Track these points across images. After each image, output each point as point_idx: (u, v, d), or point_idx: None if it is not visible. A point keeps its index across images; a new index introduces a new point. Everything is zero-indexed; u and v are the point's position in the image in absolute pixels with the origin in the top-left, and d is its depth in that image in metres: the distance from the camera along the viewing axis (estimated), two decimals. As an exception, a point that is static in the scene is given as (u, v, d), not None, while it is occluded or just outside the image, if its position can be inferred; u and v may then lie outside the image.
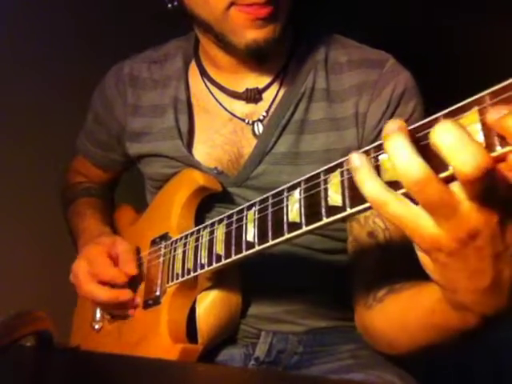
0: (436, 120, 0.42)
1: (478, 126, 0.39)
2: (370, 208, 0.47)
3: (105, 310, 0.91)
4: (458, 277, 0.46)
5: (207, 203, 0.86)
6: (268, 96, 0.87)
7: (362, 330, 0.78)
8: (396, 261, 0.73)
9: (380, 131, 0.82)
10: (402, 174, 0.41)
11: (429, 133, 0.40)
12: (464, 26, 1.74)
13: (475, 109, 0.39)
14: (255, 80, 0.87)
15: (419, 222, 0.43)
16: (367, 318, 0.74)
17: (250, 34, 0.75)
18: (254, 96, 0.86)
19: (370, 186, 0.43)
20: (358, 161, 0.45)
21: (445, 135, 0.38)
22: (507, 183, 0.39)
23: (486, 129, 0.39)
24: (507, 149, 0.38)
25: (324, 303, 0.87)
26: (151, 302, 0.83)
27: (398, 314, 0.66)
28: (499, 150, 0.38)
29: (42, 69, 1.52)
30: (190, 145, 0.88)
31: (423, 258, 0.47)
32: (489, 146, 0.38)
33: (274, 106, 0.85)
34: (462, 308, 0.50)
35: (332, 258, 0.87)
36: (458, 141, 0.37)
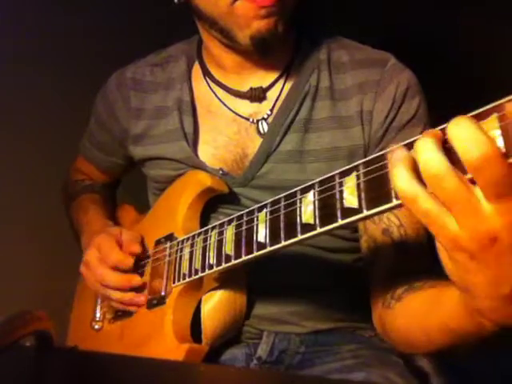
0: None
1: (498, 132, 0.40)
2: (386, 210, 0.49)
3: (110, 306, 0.91)
4: (478, 281, 0.46)
5: (212, 204, 0.86)
6: (272, 95, 0.87)
7: (380, 329, 0.78)
8: (413, 258, 0.75)
9: (387, 128, 0.83)
10: (422, 168, 0.43)
11: None
12: (464, 26, 1.74)
13: (494, 115, 0.40)
14: (259, 79, 0.88)
15: (444, 219, 0.43)
16: (387, 318, 0.74)
17: (255, 25, 0.76)
18: (258, 95, 0.87)
19: (403, 179, 0.44)
20: (397, 155, 0.46)
21: (457, 126, 0.41)
22: None
23: (506, 135, 0.40)
24: None
25: (327, 304, 0.87)
26: (155, 301, 0.82)
27: (419, 315, 0.65)
28: None
29: (44, 71, 1.52)
30: (194, 146, 0.88)
31: (445, 258, 0.47)
32: (509, 152, 0.40)
33: (278, 105, 0.86)
34: (478, 314, 0.49)
35: (336, 258, 0.87)
36: (467, 130, 0.40)
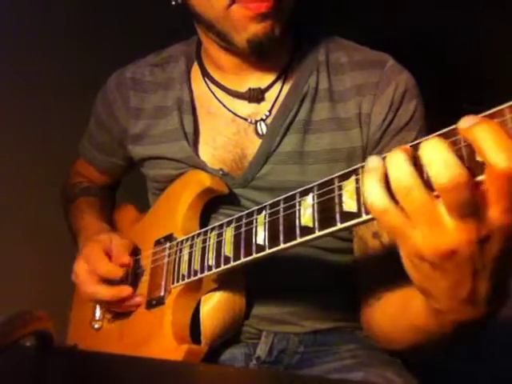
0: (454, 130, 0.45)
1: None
2: None
3: (106, 309, 0.91)
4: (438, 286, 0.50)
5: (212, 204, 0.86)
6: (270, 96, 0.87)
7: (365, 327, 0.82)
8: (398, 261, 0.76)
9: (385, 131, 0.83)
10: (392, 179, 0.45)
11: None
12: (462, 26, 1.74)
13: (495, 121, 0.41)
14: (257, 80, 0.88)
15: (409, 231, 0.46)
16: (369, 316, 0.78)
17: (251, 28, 0.76)
18: (256, 96, 0.87)
19: (374, 192, 0.46)
20: (372, 163, 0.48)
21: (429, 149, 0.43)
22: (486, 203, 0.43)
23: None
24: None
25: (326, 304, 0.87)
26: (155, 302, 0.82)
27: (391, 315, 0.71)
28: None
29: (44, 71, 1.52)
30: (195, 146, 0.88)
31: (408, 265, 0.51)
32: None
33: (276, 106, 0.86)
34: (439, 313, 0.54)
35: (335, 258, 0.88)
36: (438, 153, 0.42)
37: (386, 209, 0.46)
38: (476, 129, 0.41)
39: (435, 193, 0.44)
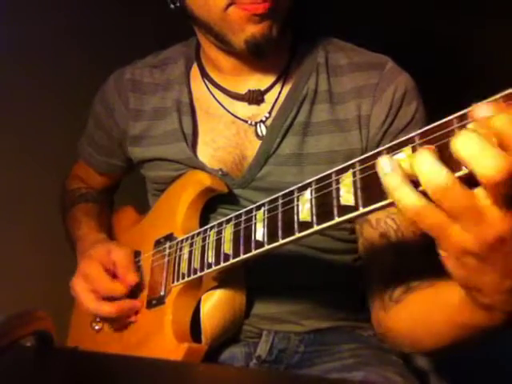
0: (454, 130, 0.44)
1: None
2: (382, 207, 0.49)
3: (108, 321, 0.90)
4: (486, 279, 0.48)
5: (211, 204, 0.86)
6: (270, 97, 0.87)
7: (380, 330, 0.79)
8: (410, 260, 0.75)
9: (384, 133, 0.83)
10: (426, 181, 0.43)
11: (447, 142, 0.43)
12: (461, 29, 1.74)
13: None
14: (257, 82, 0.88)
15: (448, 229, 0.45)
16: (386, 320, 0.75)
17: (249, 29, 0.76)
18: (256, 97, 0.87)
19: (403, 194, 0.45)
20: (388, 167, 0.46)
21: (466, 143, 0.40)
22: None
23: None
24: None
25: (327, 303, 0.87)
26: (155, 301, 0.82)
27: (421, 314, 0.68)
28: None
29: (44, 72, 1.52)
30: (193, 147, 0.89)
31: (451, 264, 0.49)
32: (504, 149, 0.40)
33: (276, 108, 0.86)
34: (488, 308, 0.52)
35: (335, 258, 0.88)
36: (479, 147, 0.40)
37: (419, 211, 0.44)
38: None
39: (476, 188, 0.42)
